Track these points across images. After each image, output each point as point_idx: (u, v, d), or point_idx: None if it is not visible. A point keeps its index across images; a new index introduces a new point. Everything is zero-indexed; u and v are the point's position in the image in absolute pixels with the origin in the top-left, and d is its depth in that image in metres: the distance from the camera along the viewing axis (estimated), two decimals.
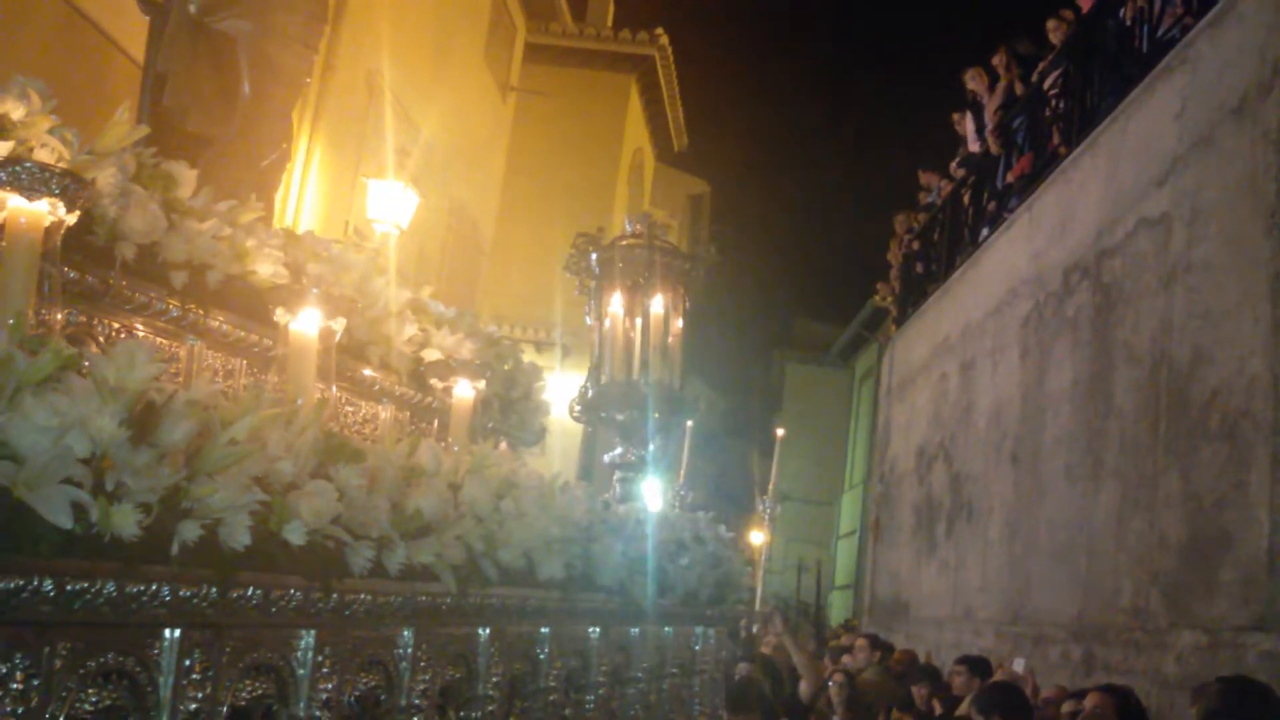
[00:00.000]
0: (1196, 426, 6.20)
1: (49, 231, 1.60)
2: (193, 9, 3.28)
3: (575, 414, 4.67)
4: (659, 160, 19.62)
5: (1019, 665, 5.87)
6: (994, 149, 10.69)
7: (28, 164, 1.57)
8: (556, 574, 2.36)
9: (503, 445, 3.68)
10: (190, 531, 1.22)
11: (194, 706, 1.31)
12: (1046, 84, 9.58)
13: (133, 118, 3.29)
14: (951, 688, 6.81)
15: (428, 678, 1.97)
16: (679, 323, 4.57)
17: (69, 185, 1.59)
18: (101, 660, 1.19)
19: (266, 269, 2.63)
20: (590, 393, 4.51)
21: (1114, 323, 7.53)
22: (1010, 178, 10.32)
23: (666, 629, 3.60)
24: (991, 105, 11.02)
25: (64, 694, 1.15)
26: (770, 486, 8.74)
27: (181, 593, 1.23)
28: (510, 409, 4.04)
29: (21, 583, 1.03)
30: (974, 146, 11.53)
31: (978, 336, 10.51)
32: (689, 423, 5.83)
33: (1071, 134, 8.87)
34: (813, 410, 22.08)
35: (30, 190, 1.56)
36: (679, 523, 3.78)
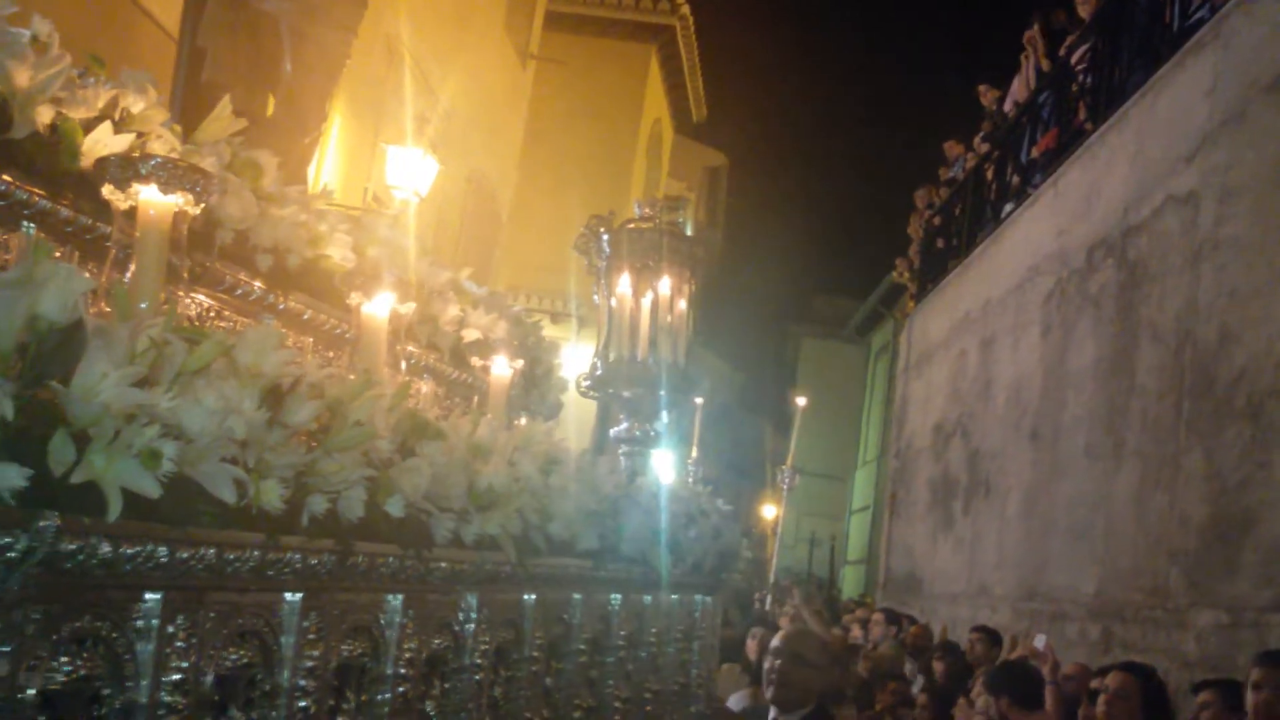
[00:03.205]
0: (1221, 406, 6.22)
1: (175, 221, 1.68)
2: None
3: (583, 390, 4.79)
4: (677, 131, 19.54)
5: (1040, 642, 5.91)
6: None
7: (159, 159, 1.65)
8: (593, 544, 2.49)
9: (522, 420, 3.79)
10: (318, 505, 1.31)
11: (310, 664, 1.41)
12: (1074, 59, 9.53)
13: (168, 90, 3.33)
14: (968, 656, 6.91)
15: (487, 639, 2.09)
16: (683, 304, 4.66)
17: (199, 181, 1.69)
18: (239, 621, 1.28)
19: (337, 253, 2.74)
20: (599, 369, 4.62)
21: (1138, 301, 7.53)
22: (1035, 153, 10.28)
23: (674, 596, 3.72)
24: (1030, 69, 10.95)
25: (211, 652, 1.24)
26: (789, 457, 8.81)
27: (309, 560, 1.32)
28: (533, 385, 4.16)
29: (192, 552, 1.12)
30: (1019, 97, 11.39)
31: (999, 313, 10.51)
32: (698, 399, 5.96)
33: (1098, 110, 8.83)
34: (827, 385, 22.11)
35: (167, 185, 1.65)
36: (687, 496, 3.93)
